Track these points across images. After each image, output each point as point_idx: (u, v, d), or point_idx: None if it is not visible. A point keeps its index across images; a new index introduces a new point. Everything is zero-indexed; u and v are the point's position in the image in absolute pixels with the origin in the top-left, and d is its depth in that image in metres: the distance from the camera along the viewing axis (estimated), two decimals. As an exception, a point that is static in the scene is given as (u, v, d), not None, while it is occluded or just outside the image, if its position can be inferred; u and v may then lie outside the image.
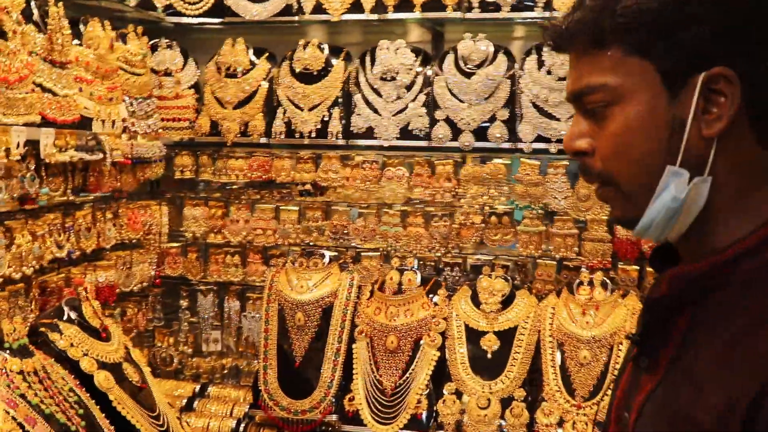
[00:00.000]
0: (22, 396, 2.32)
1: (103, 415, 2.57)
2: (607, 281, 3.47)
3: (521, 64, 3.66)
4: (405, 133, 3.76)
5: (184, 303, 4.10)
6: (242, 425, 3.54)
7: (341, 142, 3.83)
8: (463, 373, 3.47)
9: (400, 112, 3.76)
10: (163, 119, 3.76)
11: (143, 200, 3.72)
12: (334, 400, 3.52)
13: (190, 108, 3.94)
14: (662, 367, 1.13)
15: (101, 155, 2.98)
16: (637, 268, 3.61)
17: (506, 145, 3.65)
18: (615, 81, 1.11)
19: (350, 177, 3.85)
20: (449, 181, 3.77)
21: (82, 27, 3.09)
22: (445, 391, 3.46)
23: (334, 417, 3.50)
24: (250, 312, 3.99)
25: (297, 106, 3.88)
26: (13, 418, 2.24)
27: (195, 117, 3.95)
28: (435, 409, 3.44)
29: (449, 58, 3.73)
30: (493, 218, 3.74)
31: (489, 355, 3.50)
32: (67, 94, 2.77)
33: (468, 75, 3.68)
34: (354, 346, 3.59)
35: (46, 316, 2.69)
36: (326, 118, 3.84)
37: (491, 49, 3.68)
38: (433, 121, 3.71)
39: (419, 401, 3.43)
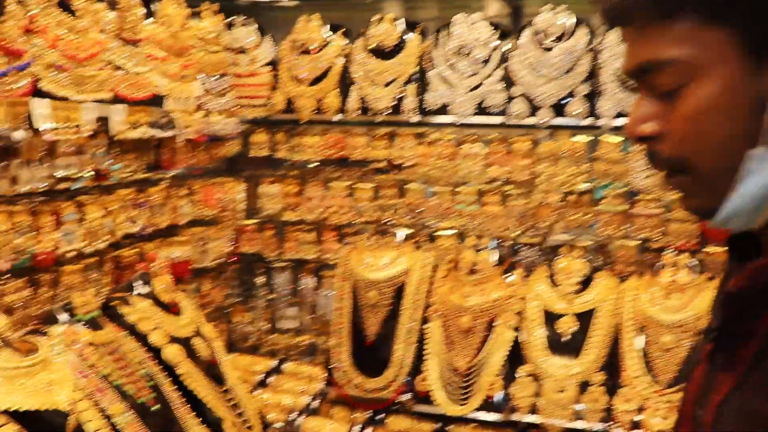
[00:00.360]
0: (93, 367, 2.36)
1: (173, 387, 2.59)
2: (693, 263, 3.31)
3: (602, 37, 3.50)
4: (481, 109, 3.66)
5: (260, 280, 4.13)
6: (315, 402, 3.54)
7: (416, 119, 3.77)
8: (539, 355, 3.38)
9: (476, 87, 3.66)
10: (238, 97, 3.77)
11: (219, 177, 3.73)
12: (407, 379, 3.48)
13: (266, 85, 3.94)
14: (741, 366, 1.01)
15: (174, 132, 3.00)
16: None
17: (586, 122, 3.51)
18: (687, 55, 0.95)
19: (425, 154, 3.79)
20: (526, 159, 3.66)
21: (154, 5, 3.12)
22: (520, 373, 3.37)
23: (406, 396, 3.47)
24: (325, 289, 3.98)
25: (372, 83, 3.83)
26: (84, 388, 2.28)
27: (270, 94, 3.95)
28: (509, 391, 3.36)
29: (527, 32, 3.61)
30: (572, 197, 3.61)
31: (566, 338, 3.39)
32: (140, 72, 2.81)
33: (546, 49, 3.55)
34: (427, 325, 3.53)
35: (118, 290, 2.73)
36: (401, 95, 3.78)
37: (571, 21, 3.54)
38: (510, 97, 3.60)
39: (493, 383, 3.36)
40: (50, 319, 2.43)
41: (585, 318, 3.39)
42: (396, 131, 3.85)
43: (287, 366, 3.84)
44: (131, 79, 2.73)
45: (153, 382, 2.51)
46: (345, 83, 3.89)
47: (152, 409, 2.45)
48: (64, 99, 2.33)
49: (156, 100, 2.91)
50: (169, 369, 2.62)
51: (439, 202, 3.77)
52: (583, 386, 3.27)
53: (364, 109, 3.82)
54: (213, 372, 2.80)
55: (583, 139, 3.60)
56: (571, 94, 3.52)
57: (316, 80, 3.91)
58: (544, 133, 3.69)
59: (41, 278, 2.51)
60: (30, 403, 1.99)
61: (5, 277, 2.33)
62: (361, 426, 3.32)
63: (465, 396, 3.38)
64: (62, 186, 2.47)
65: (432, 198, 3.80)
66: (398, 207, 3.83)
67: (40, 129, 2.23)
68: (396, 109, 3.78)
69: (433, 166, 3.79)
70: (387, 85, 3.80)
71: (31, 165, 2.33)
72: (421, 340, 3.52)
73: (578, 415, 3.24)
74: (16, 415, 1.97)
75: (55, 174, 2.41)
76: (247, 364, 3.81)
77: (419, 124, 3.80)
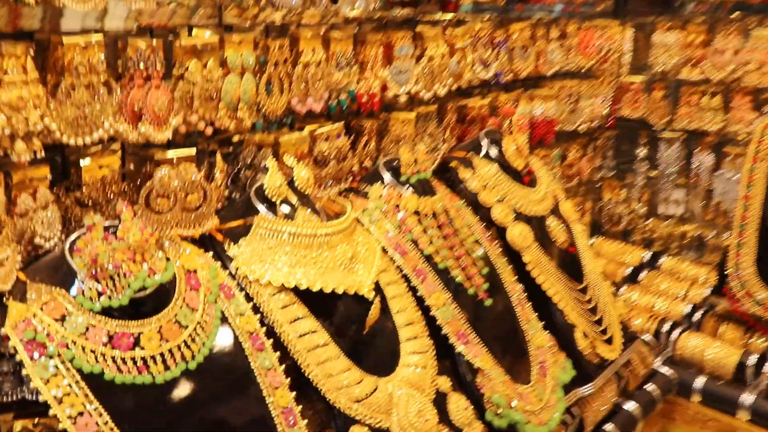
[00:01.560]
0: (414, 242, 1.89)
1: (514, 278, 2.05)
2: None
3: None
4: None
5: (642, 152, 3.59)
6: (698, 313, 2.81)
7: None
8: None
9: None
10: None
11: (601, 19, 3.20)
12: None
13: None
14: None
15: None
16: None
17: None
18: None
19: None
20: None
21: None
22: None
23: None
24: (727, 171, 3.33)
25: None
26: (399, 268, 1.82)
27: None
28: None
29: None
30: None
31: None
32: None
33: None
34: None
35: (460, 149, 2.27)
36: None
37: None
38: None
39: None
40: (370, 177, 2.04)
41: None
42: None
43: (665, 261, 3.20)
44: None
45: (489, 270, 2.03)
46: None
47: (485, 303, 1.98)
48: None
49: None
50: (512, 254, 2.09)
51: None
52: None
53: None
54: (569, 263, 2.23)
55: None
56: None
57: None
58: None
59: (363, 125, 2.12)
60: (324, 281, 1.56)
61: (318, 119, 1.92)
62: (758, 356, 2.52)
63: None
64: (395, 11, 1.96)
65: None
66: None
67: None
68: None
69: None
70: None
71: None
72: None
73: None
74: (303, 295, 1.56)
75: (387, -7, 1.92)
76: (613, 253, 3.28)
77: None
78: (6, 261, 1.32)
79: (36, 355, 1.25)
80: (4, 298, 1.32)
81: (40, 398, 1.23)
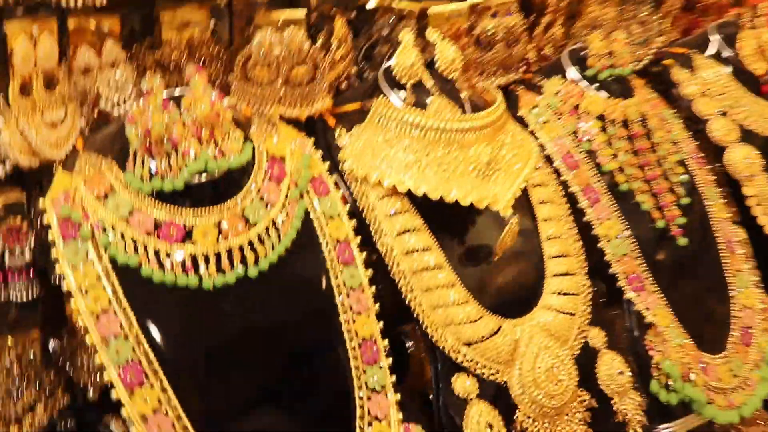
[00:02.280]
0: (591, 154, 1.48)
1: (727, 215, 1.59)
2: None
3: None
4: None
5: None
6: None
7: None
8: None
9: None
10: None
11: None
12: None
13: None
14: None
15: None
16: None
17: None
18: None
19: None
20: None
21: None
22: None
23: None
24: None
25: None
26: (565, 184, 1.44)
27: None
28: None
29: None
30: None
31: None
32: None
33: None
34: None
35: (680, 44, 1.82)
36: None
37: None
38: None
39: None
40: (550, 69, 1.63)
41: None
42: None
43: None
44: None
45: (691, 200, 1.57)
46: None
47: (677, 242, 1.53)
48: None
49: None
50: (730, 184, 1.65)
51: None
52: None
53: None
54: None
55: None
56: None
57: None
58: None
59: (546, 1, 1.68)
60: (446, 187, 1.21)
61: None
62: None
63: None
64: None
65: None
66: None
67: None
68: None
69: None
70: None
71: None
72: None
73: None
74: (420, 203, 1.23)
75: None
76: None
77: None
78: (60, 123, 1.13)
79: (69, 235, 1.05)
80: (54, 167, 1.13)
81: (63, 287, 1.04)
